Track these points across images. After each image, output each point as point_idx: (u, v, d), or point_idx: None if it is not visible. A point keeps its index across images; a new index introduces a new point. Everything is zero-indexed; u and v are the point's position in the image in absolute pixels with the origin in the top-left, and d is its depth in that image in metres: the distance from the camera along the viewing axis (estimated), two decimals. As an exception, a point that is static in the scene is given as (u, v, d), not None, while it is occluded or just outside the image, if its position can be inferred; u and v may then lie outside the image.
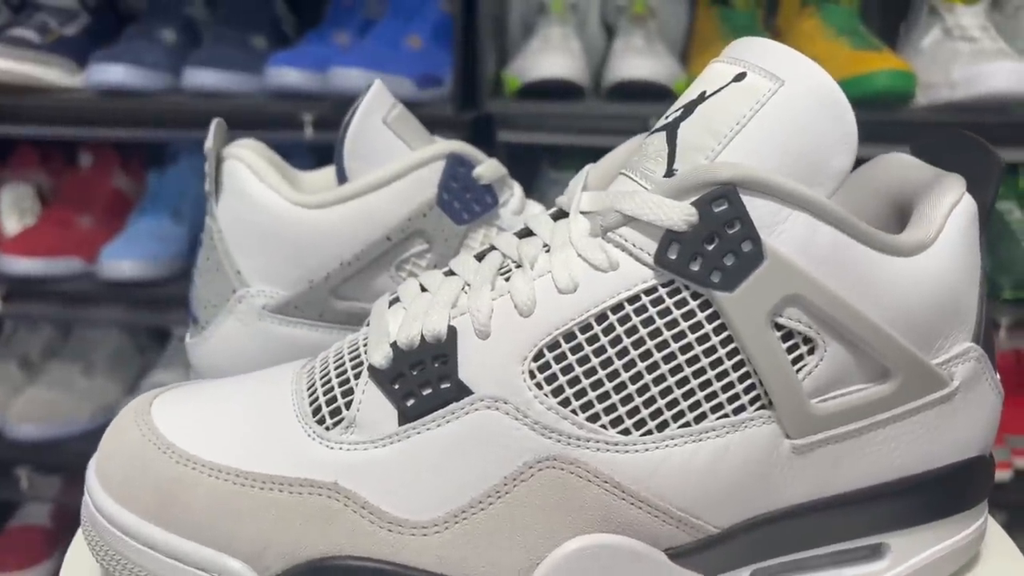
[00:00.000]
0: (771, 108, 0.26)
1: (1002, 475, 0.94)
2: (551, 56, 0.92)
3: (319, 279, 0.39)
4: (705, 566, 0.28)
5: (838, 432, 0.28)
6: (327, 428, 0.28)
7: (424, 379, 0.28)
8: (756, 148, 0.26)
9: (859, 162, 0.98)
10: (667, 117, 0.30)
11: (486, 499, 0.27)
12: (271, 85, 0.94)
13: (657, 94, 0.92)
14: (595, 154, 1.13)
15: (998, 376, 0.32)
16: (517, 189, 0.43)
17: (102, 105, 0.98)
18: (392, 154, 0.40)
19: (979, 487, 0.32)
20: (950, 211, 0.29)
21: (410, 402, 0.27)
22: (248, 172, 0.40)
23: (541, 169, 1.07)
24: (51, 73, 0.99)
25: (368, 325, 0.31)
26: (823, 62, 0.90)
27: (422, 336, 0.28)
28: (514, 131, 0.94)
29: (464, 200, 0.40)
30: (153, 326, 1.15)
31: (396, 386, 0.28)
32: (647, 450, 0.27)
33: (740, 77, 0.27)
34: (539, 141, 0.97)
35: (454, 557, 0.27)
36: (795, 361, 0.27)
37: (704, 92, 0.28)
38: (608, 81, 0.93)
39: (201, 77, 0.95)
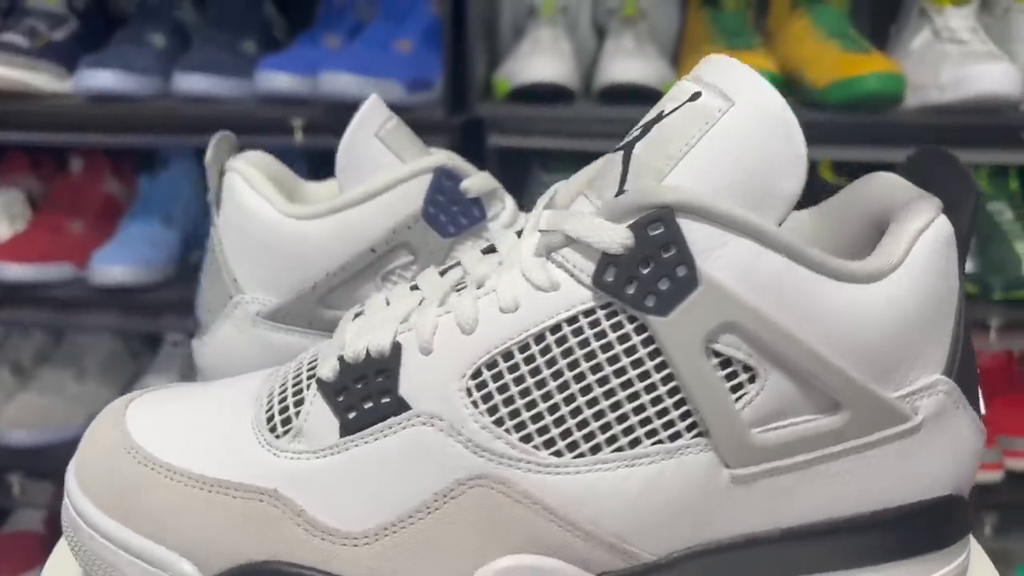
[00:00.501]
0: (720, 129, 0.26)
1: (993, 476, 0.94)
2: (541, 59, 0.92)
3: (307, 288, 0.41)
4: None
5: (783, 464, 0.27)
6: (276, 436, 0.29)
7: (366, 393, 0.28)
8: (704, 169, 0.26)
9: (852, 165, 0.98)
10: (629, 135, 0.29)
11: (416, 514, 0.27)
12: (261, 90, 0.94)
13: (648, 97, 0.91)
14: (586, 158, 1.12)
15: (980, 410, 0.30)
16: (509, 201, 0.43)
17: (92, 110, 0.98)
18: (383, 168, 0.41)
19: (953, 526, 0.30)
20: (918, 235, 0.27)
21: (351, 415, 0.28)
22: (243, 184, 0.41)
23: (532, 173, 1.07)
24: (40, 78, 0.98)
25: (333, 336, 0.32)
26: (813, 64, 0.90)
27: (367, 350, 0.29)
28: (504, 135, 0.94)
29: (451, 213, 0.41)
30: (145, 331, 1.15)
31: (340, 398, 0.29)
32: (579, 473, 0.27)
33: (695, 96, 0.27)
34: (529, 145, 0.97)
35: (384, 569, 0.27)
36: (734, 389, 0.26)
37: (662, 111, 0.28)
38: (599, 84, 0.93)
39: (191, 82, 0.95)
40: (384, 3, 1.04)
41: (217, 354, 0.43)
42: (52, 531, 1.14)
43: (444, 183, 0.41)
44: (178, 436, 0.30)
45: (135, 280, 0.99)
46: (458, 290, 0.29)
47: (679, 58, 1.04)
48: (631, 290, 0.26)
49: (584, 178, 0.32)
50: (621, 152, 0.28)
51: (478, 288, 0.29)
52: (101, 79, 0.95)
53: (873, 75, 0.85)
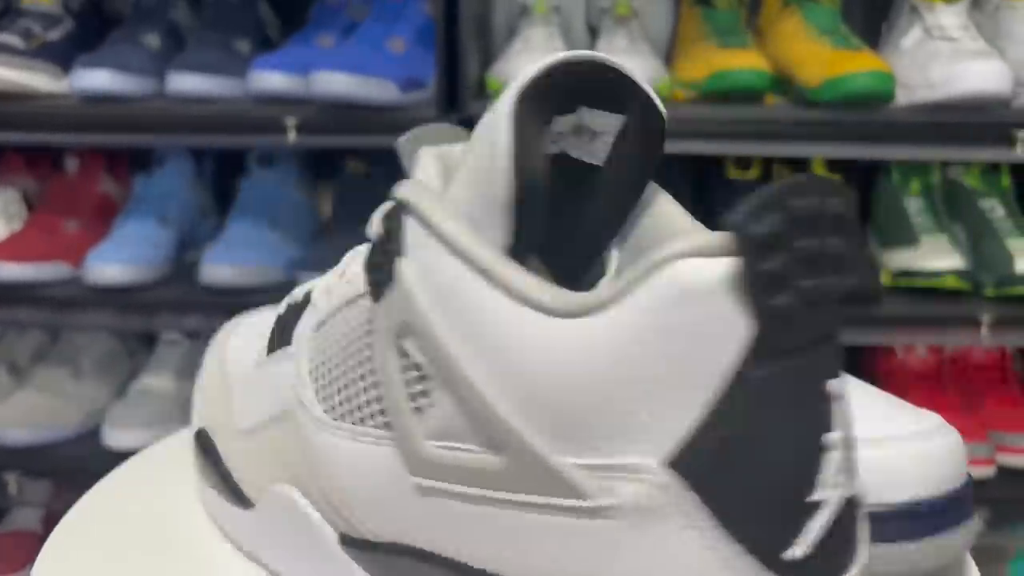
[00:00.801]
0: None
1: (986, 471, 0.94)
2: (534, 58, 0.92)
3: None
4: (370, 567, 0.28)
5: (455, 489, 0.24)
6: None
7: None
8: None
9: (848, 164, 0.98)
10: None
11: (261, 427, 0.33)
12: (254, 89, 0.94)
13: (640, 95, 0.92)
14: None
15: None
16: None
17: (87, 110, 0.98)
18: None
19: None
20: (637, 282, 0.20)
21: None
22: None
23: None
24: (36, 79, 0.99)
25: None
26: (804, 62, 0.90)
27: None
28: (498, 133, 0.94)
29: None
30: (141, 330, 1.15)
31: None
32: (333, 435, 0.28)
33: None
34: (523, 143, 0.97)
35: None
36: (412, 394, 0.25)
37: None
38: (591, 83, 0.93)
39: (185, 82, 0.95)
40: (377, 3, 1.04)
41: None
42: (49, 530, 1.14)
43: None
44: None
45: (131, 279, 0.99)
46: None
47: (672, 57, 1.04)
48: (372, 277, 0.27)
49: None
50: None
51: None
52: (96, 79, 0.95)
53: (863, 73, 0.85)
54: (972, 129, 0.89)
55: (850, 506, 0.21)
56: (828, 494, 0.20)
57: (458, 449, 0.24)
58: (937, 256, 0.95)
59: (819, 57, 0.90)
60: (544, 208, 0.26)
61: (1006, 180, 1.04)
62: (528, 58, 0.92)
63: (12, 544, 1.12)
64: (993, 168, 1.04)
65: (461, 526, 0.24)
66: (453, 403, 0.23)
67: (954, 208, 1.03)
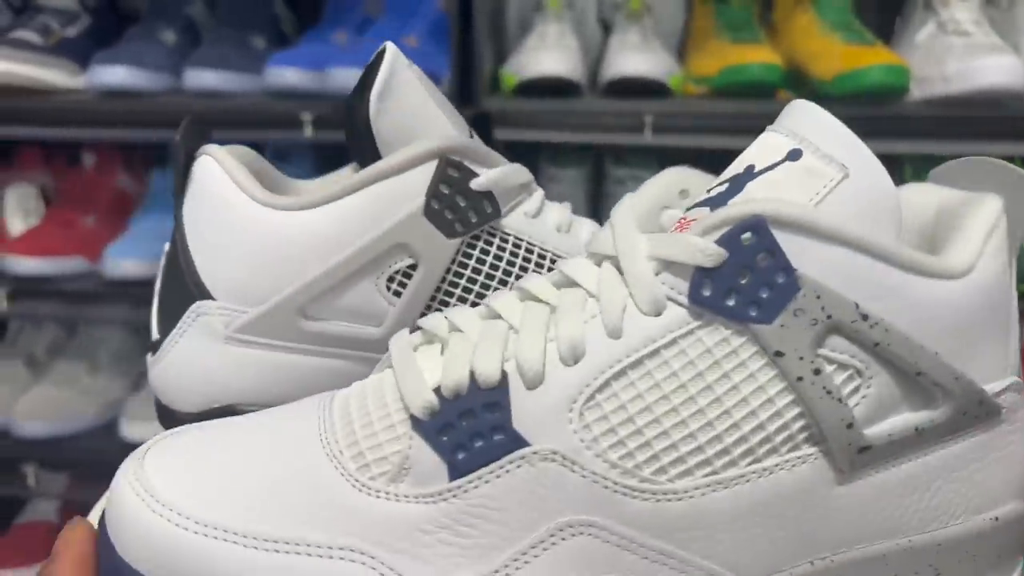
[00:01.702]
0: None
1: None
2: (548, 53, 0.93)
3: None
4: None
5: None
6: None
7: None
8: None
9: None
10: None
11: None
12: (271, 85, 0.95)
13: (653, 90, 0.92)
14: (593, 150, 1.12)
15: None
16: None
17: (104, 106, 0.99)
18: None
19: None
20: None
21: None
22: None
23: (539, 166, 1.07)
24: (53, 75, 1.00)
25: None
26: (818, 57, 0.90)
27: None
28: (511, 129, 0.95)
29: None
30: (157, 324, 1.16)
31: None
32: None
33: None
34: (536, 138, 0.98)
35: None
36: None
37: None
38: (605, 78, 0.94)
39: (201, 78, 0.96)
40: (392, -1, 1.05)
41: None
42: (66, 521, 1.16)
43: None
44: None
45: (147, 274, 1.00)
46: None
47: (684, 52, 1.04)
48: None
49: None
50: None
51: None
52: (113, 75, 0.96)
53: (877, 67, 0.85)
54: (986, 124, 0.89)
55: None
56: None
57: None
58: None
59: (832, 52, 0.90)
60: None
61: (1020, 175, 1.04)
62: (541, 54, 0.93)
63: (30, 535, 1.13)
64: (1007, 162, 1.04)
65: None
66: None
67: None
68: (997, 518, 0.28)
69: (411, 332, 0.31)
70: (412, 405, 0.27)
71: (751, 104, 0.90)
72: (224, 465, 0.28)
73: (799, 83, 0.93)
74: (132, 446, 1.02)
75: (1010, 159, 0.94)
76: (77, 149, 1.16)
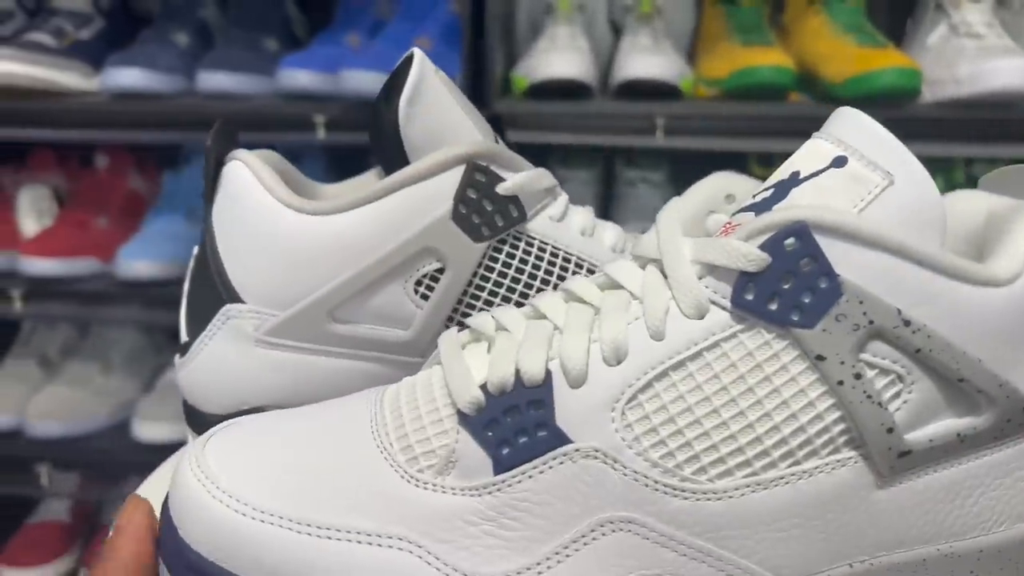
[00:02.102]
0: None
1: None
2: (559, 56, 0.93)
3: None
4: None
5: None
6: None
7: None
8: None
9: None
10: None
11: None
12: (283, 87, 0.95)
13: (664, 93, 0.93)
14: (603, 154, 1.12)
15: None
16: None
17: (117, 108, 1.00)
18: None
19: None
20: None
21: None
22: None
23: (550, 167, 1.08)
24: (67, 77, 1.00)
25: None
26: (829, 59, 0.90)
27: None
28: (523, 131, 0.95)
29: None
30: (169, 325, 1.16)
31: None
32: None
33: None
34: (548, 141, 0.98)
35: None
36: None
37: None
38: (616, 80, 0.94)
39: (214, 80, 0.96)
40: (403, 2, 1.05)
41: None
42: (78, 521, 1.17)
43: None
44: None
45: (159, 275, 1.01)
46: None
47: (695, 54, 1.05)
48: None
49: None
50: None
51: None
52: (127, 77, 0.96)
53: (889, 70, 0.86)
54: (998, 126, 0.89)
55: None
56: None
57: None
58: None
59: (844, 54, 0.90)
60: None
61: (1031, 178, 1.04)
62: (553, 56, 0.93)
63: (43, 534, 1.14)
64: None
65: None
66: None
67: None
68: None
69: (459, 330, 0.32)
70: (459, 401, 0.28)
71: (762, 106, 0.90)
72: (280, 455, 0.29)
73: (810, 86, 0.93)
74: (144, 446, 1.03)
75: (1021, 162, 0.94)
76: (90, 151, 1.16)
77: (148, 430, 1.05)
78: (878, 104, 0.87)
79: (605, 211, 1.08)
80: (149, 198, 1.14)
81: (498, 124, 0.95)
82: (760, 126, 0.92)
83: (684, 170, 1.07)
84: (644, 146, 0.97)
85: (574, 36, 0.99)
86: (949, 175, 1.03)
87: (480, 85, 0.97)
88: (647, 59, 0.93)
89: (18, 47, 0.99)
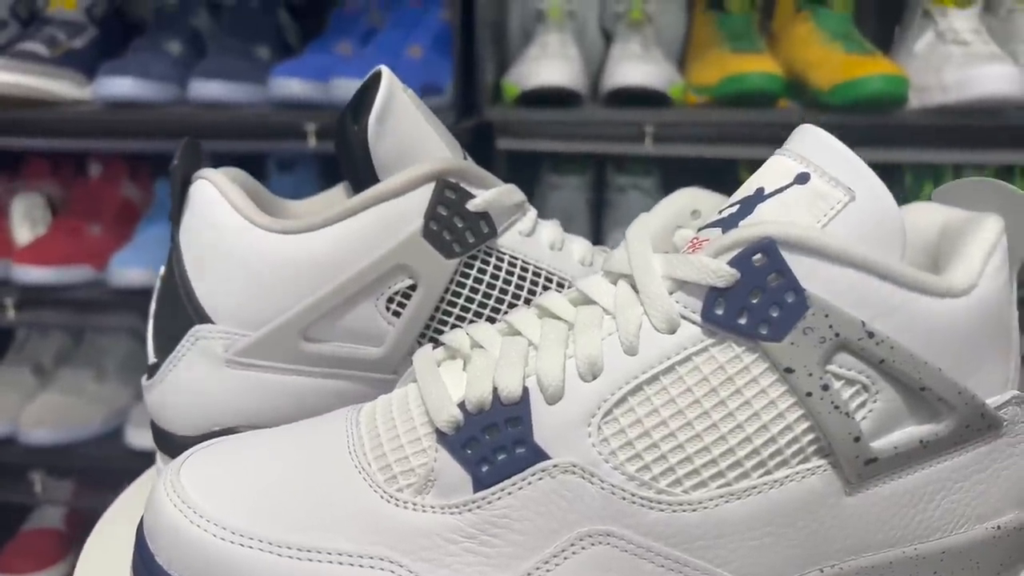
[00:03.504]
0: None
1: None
2: (549, 63, 0.94)
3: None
4: None
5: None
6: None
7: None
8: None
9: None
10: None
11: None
12: (275, 95, 0.96)
13: (654, 100, 0.93)
14: (594, 160, 1.12)
15: None
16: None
17: (110, 116, 1.00)
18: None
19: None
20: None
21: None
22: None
23: (541, 174, 1.08)
24: (60, 86, 1.01)
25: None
26: (817, 66, 0.91)
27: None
28: (513, 138, 0.95)
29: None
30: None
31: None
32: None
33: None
34: (538, 148, 0.98)
35: None
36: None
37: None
38: (606, 87, 0.95)
39: (206, 88, 0.97)
40: (395, 10, 1.05)
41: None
42: (72, 528, 1.17)
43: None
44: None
45: (152, 282, 1.00)
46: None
47: (685, 61, 1.05)
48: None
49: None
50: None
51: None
52: (119, 86, 0.97)
53: (876, 77, 0.86)
54: (985, 132, 0.89)
55: None
56: None
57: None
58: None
59: (832, 61, 0.90)
60: None
61: (1020, 183, 1.04)
62: (543, 64, 0.94)
63: (36, 542, 1.14)
64: (1006, 171, 1.04)
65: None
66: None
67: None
68: (999, 527, 0.29)
69: (434, 347, 0.32)
70: (437, 419, 0.28)
71: (751, 113, 0.91)
72: (256, 476, 0.29)
73: (799, 92, 0.93)
74: (138, 454, 1.04)
75: (1009, 168, 0.94)
76: (83, 159, 1.16)
77: (142, 437, 1.05)
78: (865, 111, 0.87)
79: (596, 218, 1.08)
80: (142, 206, 1.14)
81: (489, 131, 0.95)
82: (749, 133, 0.92)
83: (675, 177, 1.08)
84: (634, 153, 0.97)
85: (565, 44, 0.99)
86: (939, 182, 1.03)
87: (471, 93, 0.98)
88: (637, 66, 0.93)
89: (11, 56, 0.99)
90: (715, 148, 0.94)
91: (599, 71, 1.02)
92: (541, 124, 0.96)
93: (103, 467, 1.07)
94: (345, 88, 0.93)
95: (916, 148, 0.91)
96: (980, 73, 0.85)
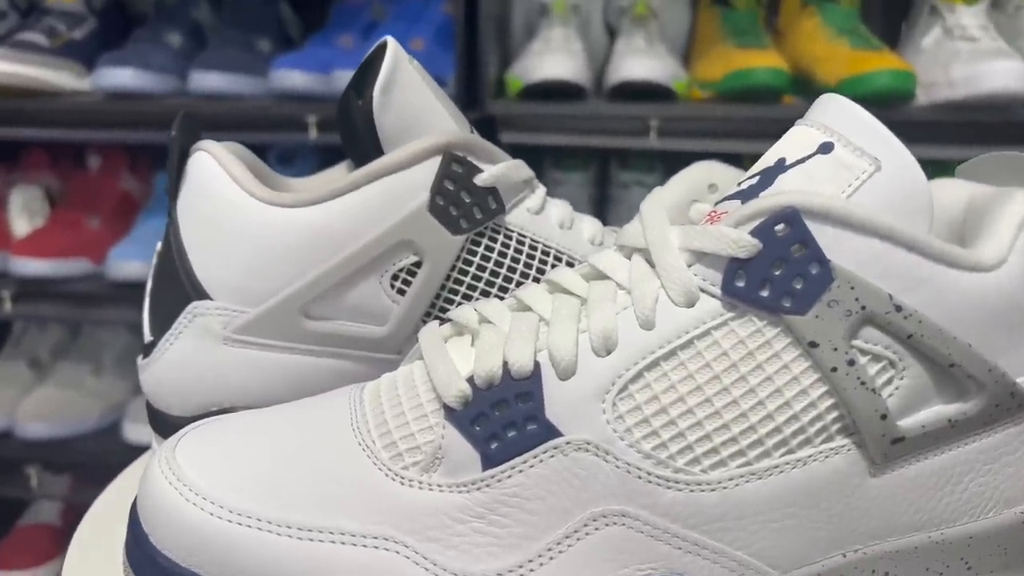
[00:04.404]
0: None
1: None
2: (553, 57, 0.93)
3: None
4: None
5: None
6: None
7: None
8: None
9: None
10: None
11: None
12: (276, 87, 0.95)
13: (658, 95, 0.92)
14: (597, 155, 1.12)
15: None
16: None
17: (110, 108, 1.00)
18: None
19: None
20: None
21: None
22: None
23: (544, 169, 1.07)
24: (59, 76, 1.00)
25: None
26: (823, 62, 0.90)
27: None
28: (516, 132, 0.95)
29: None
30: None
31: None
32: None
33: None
34: (541, 142, 0.98)
35: None
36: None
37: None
38: (610, 82, 0.94)
39: (207, 80, 0.96)
40: (397, 3, 1.05)
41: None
42: (68, 524, 1.16)
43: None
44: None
45: (151, 276, 1.00)
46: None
47: (690, 56, 1.04)
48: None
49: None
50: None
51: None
52: (119, 77, 0.96)
53: (883, 72, 0.85)
54: (992, 128, 0.89)
55: None
56: None
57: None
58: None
59: (838, 57, 0.90)
60: None
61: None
62: (547, 57, 0.93)
63: (32, 537, 1.13)
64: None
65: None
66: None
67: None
68: None
69: (440, 324, 0.31)
70: (445, 395, 0.27)
71: (756, 109, 0.90)
72: (255, 455, 0.28)
73: (805, 88, 0.93)
74: (135, 448, 1.03)
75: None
76: (82, 151, 1.16)
77: (139, 432, 1.04)
78: (872, 107, 0.86)
79: (599, 213, 1.08)
80: (141, 199, 1.13)
81: (492, 125, 0.94)
82: (754, 128, 0.91)
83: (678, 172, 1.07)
84: (638, 148, 0.96)
85: (569, 38, 0.99)
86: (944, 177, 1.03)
87: (474, 86, 0.97)
88: (641, 61, 0.93)
89: (10, 47, 0.98)
90: (720, 143, 0.93)
91: (603, 66, 1.01)
92: (545, 118, 0.96)
93: (100, 462, 1.07)
94: (346, 80, 0.91)
95: (923, 144, 0.91)
96: (988, 69, 0.84)
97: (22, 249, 1.02)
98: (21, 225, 1.08)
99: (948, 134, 0.89)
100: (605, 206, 1.08)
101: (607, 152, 1.07)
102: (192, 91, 0.97)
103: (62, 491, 1.13)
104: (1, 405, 1.08)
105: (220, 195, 0.35)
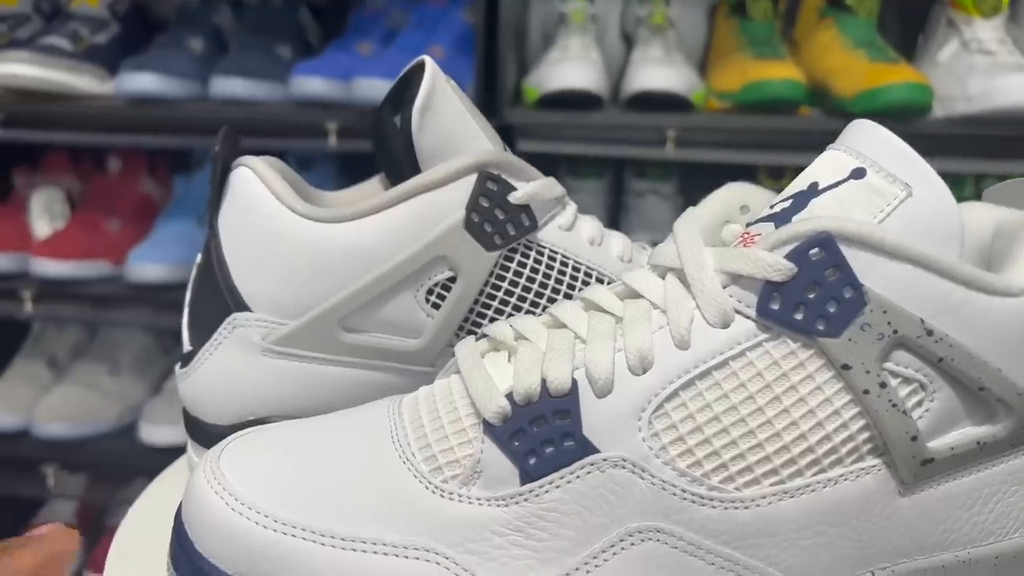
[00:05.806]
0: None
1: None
2: (570, 66, 0.94)
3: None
4: None
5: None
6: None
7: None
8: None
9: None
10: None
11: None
12: (296, 94, 0.96)
13: (675, 104, 0.93)
14: (612, 162, 1.12)
15: None
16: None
17: (131, 112, 1.01)
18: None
19: None
20: None
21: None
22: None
23: (559, 177, 1.08)
24: (82, 81, 1.01)
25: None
26: (840, 74, 0.90)
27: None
28: (533, 141, 0.96)
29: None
30: (178, 328, 1.16)
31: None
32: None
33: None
34: (558, 151, 0.98)
35: None
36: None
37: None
38: (627, 91, 0.95)
39: (228, 85, 0.97)
40: (417, 10, 1.06)
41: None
42: (84, 523, 1.17)
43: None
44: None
45: (169, 278, 1.01)
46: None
47: (707, 67, 1.05)
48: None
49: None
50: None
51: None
52: (141, 82, 0.97)
53: (900, 85, 0.86)
54: (1009, 143, 0.89)
55: None
56: None
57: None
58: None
59: (855, 69, 0.90)
60: None
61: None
62: (565, 66, 0.94)
63: (48, 536, 1.14)
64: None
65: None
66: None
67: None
68: None
69: (476, 339, 0.32)
70: (485, 410, 0.28)
71: (773, 120, 0.91)
72: (297, 465, 0.28)
73: (821, 100, 0.93)
74: (151, 449, 1.03)
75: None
76: (103, 154, 1.17)
77: (155, 433, 1.05)
78: (889, 119, 0.87)
79: (614, 222, 1.08)
80: (160, 202, 1.14)
81: (509, 134, 0.95)
82: (771, 139, 0.92)
83: (693, 182, 1.07)
84: (655, 158, 0.97)
85: (586, 47, 0.99)
86: (959, 192, 1.03)
87: (492, 95, 0.98)
88: (659, 71, 0.93)
89: (34, 51, 0.99)
90: (736, 154, 0.94)
91: (620, 75, 1.02)
92: (561, 127, 0.96)
93: (116, 463, 1.08)
94: (367, 88, 0.93)
95: (939, 158, 0.91)
96: (1005, 83, 0.85)
97: (43, 250, 1.03)
98: (42, 227, 1.09)
99: (964, 148, 0.89)
100: (620, 215, 1.09)
101: (622, 161, 1.07)
102: (213, 96, 0.98)
103: (78, 491, 1.14)
104: (19, 404, 1.09)
105: (262, 210, 0.36)
